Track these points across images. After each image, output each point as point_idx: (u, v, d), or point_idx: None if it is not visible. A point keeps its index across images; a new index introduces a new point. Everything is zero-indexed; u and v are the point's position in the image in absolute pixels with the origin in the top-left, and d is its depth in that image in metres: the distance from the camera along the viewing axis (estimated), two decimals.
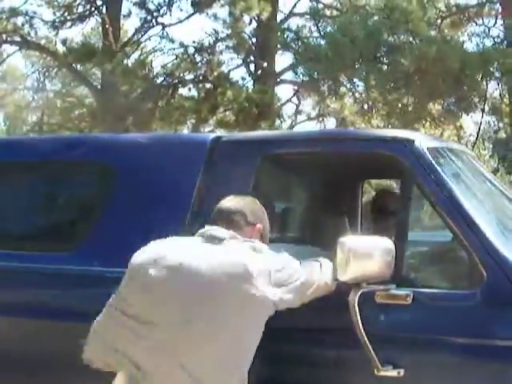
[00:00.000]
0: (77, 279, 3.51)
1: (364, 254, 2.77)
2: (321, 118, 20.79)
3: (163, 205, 3.51)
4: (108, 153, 3.76)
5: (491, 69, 8.23)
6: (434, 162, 3.18)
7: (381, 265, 2.81)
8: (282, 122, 17.67)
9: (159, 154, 3.67)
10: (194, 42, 16.23)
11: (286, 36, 11.02)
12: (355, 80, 9.73)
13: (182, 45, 15.79)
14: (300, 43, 11.76)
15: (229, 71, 17.99)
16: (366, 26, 7.74)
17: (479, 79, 8.65)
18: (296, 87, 19.72)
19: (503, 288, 2.88)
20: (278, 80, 18.74)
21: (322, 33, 7.87)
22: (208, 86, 16.89)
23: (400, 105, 9.30)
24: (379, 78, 8.18)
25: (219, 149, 3.54)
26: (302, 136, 3.64)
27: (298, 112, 20.33)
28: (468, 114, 8.33)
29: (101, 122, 15.26)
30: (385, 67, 8.21)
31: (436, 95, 8.64)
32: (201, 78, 16.96)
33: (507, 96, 10.96)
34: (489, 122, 15.54)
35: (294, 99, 20.66)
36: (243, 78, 18.04)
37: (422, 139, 3.31)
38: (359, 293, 2.82)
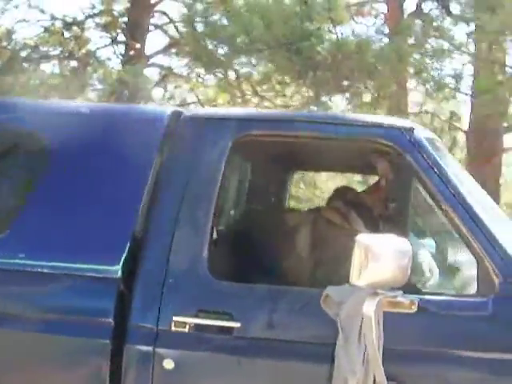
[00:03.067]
0: None
1: (384, 255, 2.38)
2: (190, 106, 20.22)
3: (105, 193, 2.96)
4: (41, 124, 3.11)
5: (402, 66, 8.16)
6: (435, 153, 2.87)
7: (401, 268, 2.43)
8: None
9: (103, 130, 3.09)
10: (64, 15, 15.14)
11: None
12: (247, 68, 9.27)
13: (52, 17, 14.65)
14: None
15: (96, 49, 17.06)
16: (280, 10, 7.36)
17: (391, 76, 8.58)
18: (164, 72, 19.03)
19: None
20: (149, 63, 17.98)
21: (227, 12, 7.43)
22: (73, 63, 15.92)
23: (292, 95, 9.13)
24: (287, 65, 7.83)
25: (180, 127, 3.03)
26: (284, 117, 3.20)
27: (168, 97, 19.60)
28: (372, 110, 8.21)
29: None
30: (294, 56, 7.90)
31: (344, 89, 8.45)
32: (67, 54, 15.94)
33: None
34: None
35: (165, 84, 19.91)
36: (109, 59, 17.16)
37: (419, 128, 2.98)
38: (376, 301, 2.42)
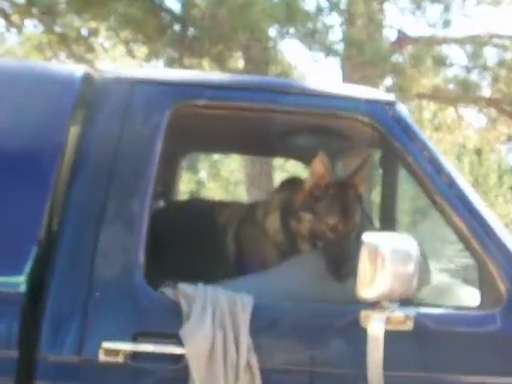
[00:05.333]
0: None
1: (401, 258, 2.38)
2: None
3: None
4: None
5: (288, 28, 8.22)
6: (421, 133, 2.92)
7: (411, 276, 2.44)
8: None
9: None
10: None
11: None
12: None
13: None
14: None
15: None
16: None
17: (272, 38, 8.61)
18: None
19: None
20: None
21: None
22: None
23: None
24: (147, 21, 7.59)
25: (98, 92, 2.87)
26: (234, 82, 3.08)
27: None
28: None
29: None
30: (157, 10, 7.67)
31: (228, 53, 8.33)
32: None
33: None
34: None
35: None
36: None
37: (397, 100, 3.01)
38: (385, 317, 2.42)
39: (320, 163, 3.00)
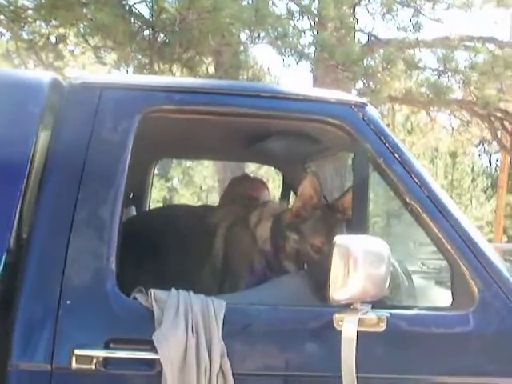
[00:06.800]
0: None
1: (373, 260, 2.41)
2: None
3: None
4: None
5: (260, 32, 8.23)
6: (393, 135, 2.94)
7: (383, 277, 2.47)
8: None
9: None
10: None
11: None
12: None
13: None
14: None
15: None
16: None
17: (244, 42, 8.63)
18: None
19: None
20: None
21: None
22: None
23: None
24: (117, 25, 7.58)
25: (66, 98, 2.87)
26: (203, 86, 3.09)
27: None
28: None
29: None
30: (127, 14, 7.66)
31: (199, 59, 8.32)
32: None
33: None
34: None
35: None
36: None
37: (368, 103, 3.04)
38: (357, 319, 2.45)
39: (309, 185, 3.06)
